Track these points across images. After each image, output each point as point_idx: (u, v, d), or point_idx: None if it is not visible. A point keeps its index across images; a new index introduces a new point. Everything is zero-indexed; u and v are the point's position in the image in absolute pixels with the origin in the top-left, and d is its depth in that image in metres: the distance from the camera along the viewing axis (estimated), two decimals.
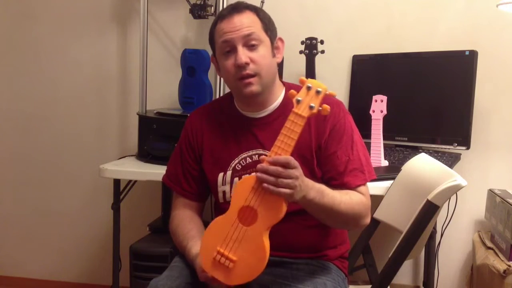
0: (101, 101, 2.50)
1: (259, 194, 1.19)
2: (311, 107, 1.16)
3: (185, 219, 1.46)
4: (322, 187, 1.27)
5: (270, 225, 1.20)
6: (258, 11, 1.39)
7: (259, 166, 1.17)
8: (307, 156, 1.37)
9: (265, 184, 1.16)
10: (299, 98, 1.17)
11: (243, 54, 1.33)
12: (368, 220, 1.38)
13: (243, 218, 1.21)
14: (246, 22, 1.34)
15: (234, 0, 1.45)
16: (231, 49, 1.35)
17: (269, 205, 1.19)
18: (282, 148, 1.18)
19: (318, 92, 1.16)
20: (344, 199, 1.30)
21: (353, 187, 1.37)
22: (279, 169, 1.15)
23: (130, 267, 1.94)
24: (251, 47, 1.34)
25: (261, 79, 1.35)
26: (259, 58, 1.34)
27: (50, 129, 2.56)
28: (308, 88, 1.17)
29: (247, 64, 1.33)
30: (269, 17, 1.42)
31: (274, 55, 1.40)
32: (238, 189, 1.23)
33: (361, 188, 1.38)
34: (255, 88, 1.35)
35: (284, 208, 1.19)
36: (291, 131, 1.18)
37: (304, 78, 1.19)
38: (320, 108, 1.17)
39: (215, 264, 1.22)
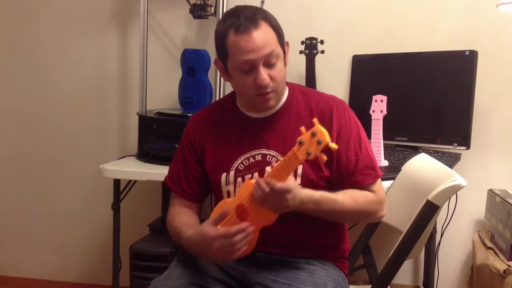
0: (101, 101, 2.50)
1: (254, 199, 1.28)
2: (308, 154, 1.20)
3: (182, 213, 1.47)
4: (321, 197, 1.30)
5: (259, 227, 1.30)
6: (271, 20, 1.35)
7: (256, 181, 1.24)
8: None
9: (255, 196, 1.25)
10: (302, 141, 1.20)
11: (265, 74, 1.31)
12: (382, 214, 1.40)
13: (238, 212, 1.32)
14: (265, 39, 1.30)
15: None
16: (251, 67, 1.32)
17: (259, 211, 1.28)
18: (275, 180, 1.24)
19: (319, 143, 1.19)
20: (347, 202, 1.32)
21: (365, 186, 1.38)
22: (266, 191, 1.22)
23: (130, 267, 1.94)
24: (271, 65, 1.32)
25: (277, 93, 1.37)
26: (277, 74, 1.34)
27: (50, 129, 2.56)
28: (313, 135, 1.19)
29: (268, 83, 1.33)
30: (277, 21, 1.38)
31: (285, 65, 1.39)
32: (241, 188, 1.34)
33: (373, 186, 1.39)
34: (272, 102, 1.38)
35: (271, 219, 1.29)
36: (286, 166, 1.23)
37: (317, 121, 1.20)
38: (318, 155, 1.20)
39: None
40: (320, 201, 1.29)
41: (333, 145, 1.20)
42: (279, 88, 1.37)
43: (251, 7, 1.36)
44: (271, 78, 1.33)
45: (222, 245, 1.24)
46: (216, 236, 1.24)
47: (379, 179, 1.42)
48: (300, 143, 1.20)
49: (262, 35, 1.30)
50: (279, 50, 1.34)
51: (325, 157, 1.21)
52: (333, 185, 1.39)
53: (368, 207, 1.37)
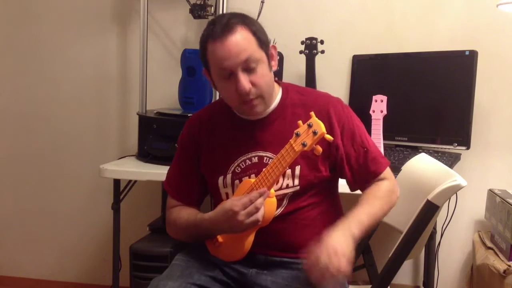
0: (101, 101, 2.50)
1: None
2: (303, 145, 1.21)
3: (186, 209, 1.48)
4: (359, 217, 1.27)
5: (255, 228, 1.31)
6: (250, 25, 1.30)
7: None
8: (310, 155, 1.36)
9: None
10: (299, 132, 1.22)
11: (245, 81, 1.29)
12: (398, 194, 1.42)
13: None
14: (241, 44, 1.27)
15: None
16: (230, 74, 1.31)
17: None
18: (272, 173, 1.27)
19: (314, 133, 1.20)
20: (376, 204, 1.34)
21: (379, 174, 1.39)
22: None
23: (130, 267, 1.94)
24: (250, 70, 1.30)
25: (264, 98, 1.35)
26: (260, 79, 1.31)
27: (50, 129, 2.56)
28: (309, 126, 1.21)
29: (249, 89, 1.31)
30: (259, 26, 1.34)
31: (271, 69, 1.37)
32: (239, 188, 1.35)
33: (386, 173, 1.41)
34: (259, 108, 1.36)
35: (267, 221, 1.31)
36: (283, 159, 1.25)
37: (313, 114, 1.21)
38: (314, 147, 1.22)
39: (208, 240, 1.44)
40: (362, 222, 1.27)
41: (329, 136, 1.21)
42: (265, 93, 1.34)
43: (230, 13, 1.34)
44: (253, 83, 1.30)
45: (248, 213, 1.25)
46: (241, 207, 1.25)
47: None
48: (297, 135, 1.22)
49: (237, 40, 1.27)
50: (258, 54, 1.30)
51: (320, 149, 1.22)
52: (351, 183, 1.42)
53: (390, 196, 1.38)
